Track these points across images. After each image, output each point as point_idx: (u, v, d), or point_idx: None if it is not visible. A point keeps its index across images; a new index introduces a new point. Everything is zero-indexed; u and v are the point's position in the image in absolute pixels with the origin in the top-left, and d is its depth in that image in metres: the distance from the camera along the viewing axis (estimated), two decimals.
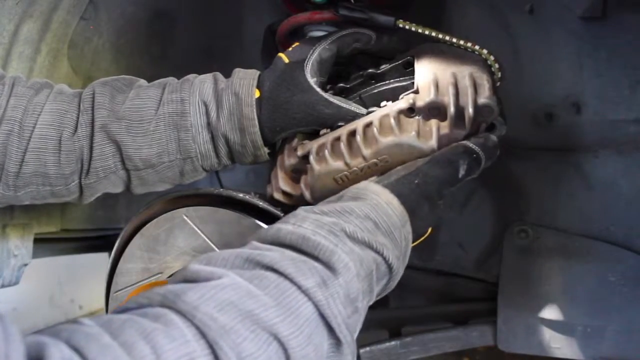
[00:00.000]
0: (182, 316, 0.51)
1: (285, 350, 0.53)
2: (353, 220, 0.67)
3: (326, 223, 0.66)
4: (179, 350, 0.47)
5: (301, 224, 0.65)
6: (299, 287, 0.58)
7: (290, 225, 0.65)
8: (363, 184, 0.76)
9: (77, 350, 0.43)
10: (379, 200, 0.70)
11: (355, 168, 0.82)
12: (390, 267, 0.69)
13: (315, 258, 0.62)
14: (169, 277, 0.93)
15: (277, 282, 0.57)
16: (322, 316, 0.58)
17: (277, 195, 0.92)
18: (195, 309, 0.51)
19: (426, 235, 0.81)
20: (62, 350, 0.42)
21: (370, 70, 0.94)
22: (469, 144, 0.79)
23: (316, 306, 0.58)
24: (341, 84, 0.98)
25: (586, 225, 1.22)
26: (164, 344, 0.47)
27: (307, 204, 0.89)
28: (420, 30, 0.97)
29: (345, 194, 0.74)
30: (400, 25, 1.00)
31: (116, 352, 0.44)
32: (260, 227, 0.89)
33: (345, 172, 0.83)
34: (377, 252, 0.67)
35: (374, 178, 0.81)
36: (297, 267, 0.59)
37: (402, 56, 0.93)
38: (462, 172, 0.79)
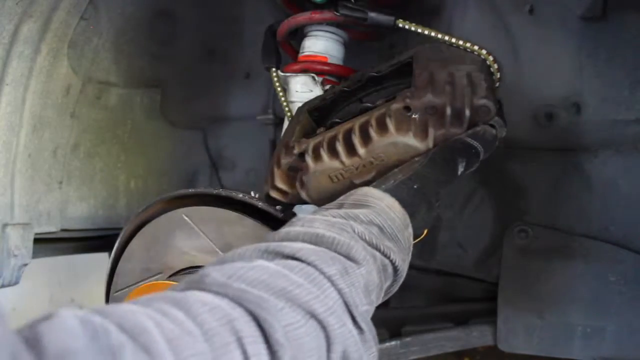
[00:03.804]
0: (211, 292, 0.48)
1: (324, 327, 0.52)
2: (359, 225, 0.67)
3: (336, 223, 0.65)
4: (215, 313, 0.44)
5: (311, 224, 0.64)
6: (323, 274, 0.56)
7: (299, 227, 0.64)
8: (363, 189, 0.75)
9: (100, 313, 0.40)
10: (381, 205, 0.70)
11: (350, 166, 0.82)
12: (396, 270, 0.69)
13: (334, 252, 0.61)
14: (169, 277, 0.93)
15: (301, 267, 0.56)
16: (345, 303, 0.57)
17: (274, 194, 0.92)
18: (224, 286, 0.48)
19: (423, 236, 0.80)
20: (75, 311, 0.39)
21: (370, 74, 0.94)
22: (467, 139, 0.78)
23: (339, 293, 0.56)
24: (343, 88, 0.98)
25: (586, 225, 1.22)
26: (197, 307, 0.44)
27: (303, 202, 0.89)
28: (420, 30, 0.97)
29: (345, 200, 0.73)
30: (400, 25, 1.00)
31: (151, 314, 0.41)
32: (260, 227, 0.89)
33: (341, 171, 0.83)
34: (384, 255, 0.67)
35: (370, 175, 0.80)
36: (319, 255, 0.58)
37: (401, 57, 0.93)
38: (460, 169, 0.78)
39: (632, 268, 1.17)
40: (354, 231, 0.65)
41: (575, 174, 1.23)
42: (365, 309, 0.60)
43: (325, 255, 0.58)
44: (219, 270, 0.51)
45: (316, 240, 0.61)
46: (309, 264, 0.56)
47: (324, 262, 0.57)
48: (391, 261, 0.68)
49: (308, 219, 0.66)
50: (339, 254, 0.60)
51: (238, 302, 0.47)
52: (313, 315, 0.51)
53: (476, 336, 1.31)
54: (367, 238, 0.65)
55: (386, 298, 0.73)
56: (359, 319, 0.57)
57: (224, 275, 0.50)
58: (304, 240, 0.61)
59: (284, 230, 0.65)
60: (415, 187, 0.75)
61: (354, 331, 0.56)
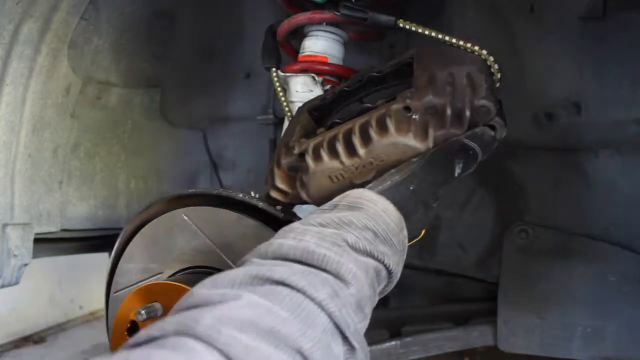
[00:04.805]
0: (202, 342, 0.49)
1: None
2: (353, 232, 0.66)
3: (328, 235, 0.65)
4: None
5: (302, 237, 0.64)
6: (312, 300, 0.57)
7: (291, 240, 0.64)
8: (358, 191, 0.74)
9: None
10: (376, 209, 0.70)
11: (350, 167, 0.82)
12: (390, 273, 0.70)
13: (323, 270, 0.61)
14: (169, 277, 0.93)
15: (290, 296, 0.56)
16: (336, 325, 0.58)
17: (274, 194, 0.92)
18: (216, 332, 0.49)
19: (420, 236, 0.80)
20: None
21: (371, 74, 0.94)
22: (465, 140, 0.77)
23: (330, 317, 0.57)
24: (343, 88, 0.98)
25: (586, 225, 1.22)
26: None
27: (303, 202, 0.89)
28: (420, 30, 0.96)
29: (339, 202, 0.73)
30: (401, 25, 1.00)
31: None
32: (260, 227, 0.89)
33: (341, 171, 0.83)
34: (378, 260, 0.67)
35: (370, 175, 0.80)
36: (308, 280, 0.58)
37: (401, 57, 0.93)
38: (458, 170, 0.78)
39: (632, 268, 1.17)
40: (347, 242, 0.65)
41: (575, 174, 1.23)
42: (358, 326, 0.61)
43: (314, 279, 0.59)
44: (211, 312, 0.52)
45: (306, 257, 0.61)
46: (298, 290, 0.57)
47: (313, 287, 0.58)
48: (385, 266, 0.68)
49: (300, 231, 0.66)
50: (329, 272, 0.61)
51: (227, 354, 0.48)
52: (299, 352, 0.52)
53: (476, 336, 1.31)
54: (360, 247, 0.65)
55: (380, 297, 0.73)
56: (350, 338, 0.58)
57: (215, 315, 0.51)
58: (294, 256, 0.62)
59: (277, 242, 0.65)
60: (411, 188, 0.75)
61: (341, 353, 0.57)
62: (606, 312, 1.19)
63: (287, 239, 0.65)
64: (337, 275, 0.61)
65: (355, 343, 0.59)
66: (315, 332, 0.55)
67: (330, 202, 0.74)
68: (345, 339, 0.58)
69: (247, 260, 0.64)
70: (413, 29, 0.98)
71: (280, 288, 0.57)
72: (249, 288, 0.57)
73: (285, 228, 0.69)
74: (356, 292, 0.61)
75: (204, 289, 0.57)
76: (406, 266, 0.74)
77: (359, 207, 0.70)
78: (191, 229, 0.91)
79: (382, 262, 0.67)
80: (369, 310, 0.65)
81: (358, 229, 0.67)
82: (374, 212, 0.69)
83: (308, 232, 0.65)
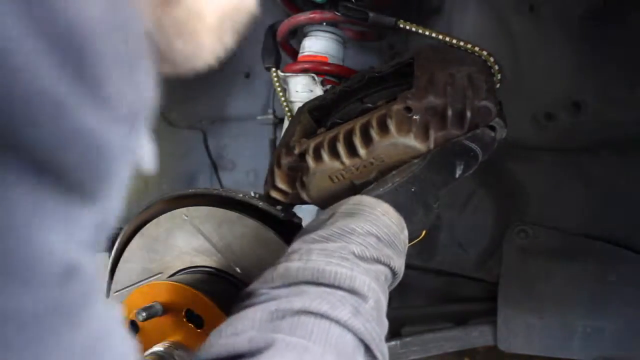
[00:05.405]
0: None
1: None
2: (357, 240, 0.66)
3: (334, 250, 0.64)
4: None
5: (309, 257, 0.63)
6: (337, 322, 0.56)
7: (297, 262, 0.63)
8: (356, 197, 0.74)
9: None
10: (376, 213, 0.70)
11: (351, 167, 0.82)
12: (394, 274, 0.70)
13: (337, 287, 0.60)
14: (169, 277, 0.93)
15: (317, 325, 0.56)
16: (361, 340, 0.57)
17: (274, 194, 0.92)
18: None
19: (421, 237, 0.80)
20: None
21: (371, 74, 0.94)
22: (466, 141, 0.77)
23: (355, 334, 0.57)
24: (343, 88, 0.97)
25: (586, 225, 1.22)
26: None
27: (304, 202, 0.89)
28: (420, 31, 0.97)
29: (336, 209, 0.72)
30: (401, 26, 1.00)
31: None
32: (260, 227, 0.89)
33: (341, 171, 0.83)
34: (385, 264, 0.67)
35: (371, 175, 0.80)
36: (328, 301, 0.58)
37: (402, 58, 0.93)
38: (458, 171, 0.78)
39: (632, 268, 1.17)
40: (354, 254, 0.64)
41: (575, 174, 1.23)
42: (382, 334, 0.61)
43: (333, 299, 0.58)
44: None
45: (317, 276, 0.61)
46: (322, 315, 0.56)
47: (335, 309, 0.57)
48: (391, 269, 0.68)
49: (305, 250, 0.65)
50: (343, 288, 0.60)
51: None
52: None
53: (476, 336, 1.31)
54: (367, 255, 0.65)
55: None
56: (375, 350, 0.58)
57: None
58: (304, 278, 0.61)
59: (282, 265, 0.63)
60: (412, 190, 0.75)
61: None
62: (606, 312, 1.19)
63: (292, 261, 0.63)
64: (351, 291, 0.60)
65: (378, 354, 0.59)
66: (346, 356, 0.55)
67: (328, 210, 0.73)
68: (368, 350, 0.58)
69: (255, 290, 0.63)
70: (413, 29, 0.98)
71: (303, 318, 0.56)
72: (271, 327, 0.56)
73: (289, 250, 0.67)
74: (375, 304, 0.61)
75: (225, 338, 0.55)
76: (406, 266, 0.74)
77: (358, 213, 0.70)
78: (191, 228, 0.92)
79: (389, 266, 0.67)
80: (385, 317, 0.65)
81: (361, 236, 0.66)
82: (374, 217, 0.69)
83: (313, 251, 0.64)
